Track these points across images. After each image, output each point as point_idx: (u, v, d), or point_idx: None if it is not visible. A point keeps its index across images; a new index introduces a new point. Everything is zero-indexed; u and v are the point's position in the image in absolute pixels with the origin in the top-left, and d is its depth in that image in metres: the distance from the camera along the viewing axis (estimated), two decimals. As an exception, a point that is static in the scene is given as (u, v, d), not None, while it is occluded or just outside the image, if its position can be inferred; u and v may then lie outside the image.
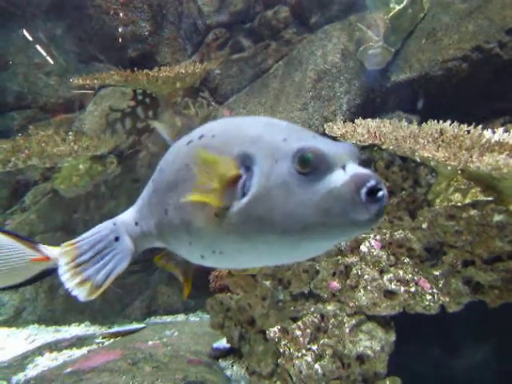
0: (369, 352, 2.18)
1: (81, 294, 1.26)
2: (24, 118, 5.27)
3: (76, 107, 5.31)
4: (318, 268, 2.43)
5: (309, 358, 2.18)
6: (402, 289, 2.21)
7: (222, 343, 3.12)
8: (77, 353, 3.51)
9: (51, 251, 1.91)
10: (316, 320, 2.32)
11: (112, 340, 3.68)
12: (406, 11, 3.72)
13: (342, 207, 0.90)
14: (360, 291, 2.26)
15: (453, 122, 2.35)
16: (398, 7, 3.70)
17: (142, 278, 4.49)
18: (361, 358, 2.21)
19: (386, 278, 2.26)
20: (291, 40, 4.71)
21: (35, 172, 4.86)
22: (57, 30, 5.27)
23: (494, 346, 2.43)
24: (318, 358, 2.20)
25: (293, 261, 1.25)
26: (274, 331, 2.36)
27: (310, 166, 0.93)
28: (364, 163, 0.99)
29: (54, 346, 3.67)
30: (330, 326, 2.28)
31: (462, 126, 2.32)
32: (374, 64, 3.87)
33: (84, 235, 1.39)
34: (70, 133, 4.32)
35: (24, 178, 4.93)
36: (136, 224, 1.41)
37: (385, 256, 2.32)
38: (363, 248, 2.37)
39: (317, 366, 2.16)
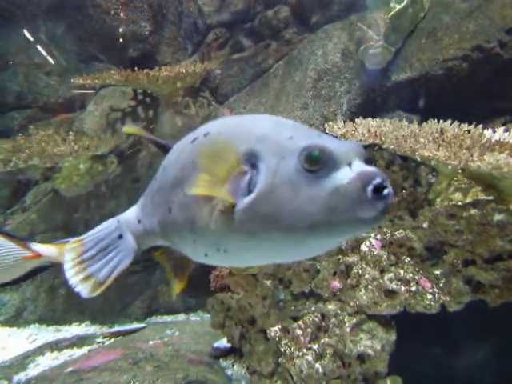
0: (369, 351, 2.18)
1: (84, 290, 1.26)
2: (24, 117, 5.28)
3: (76, 107, 5.32)
4: (318, 267, 2.43)
5: (309, 358, 2.18)
6: (403, 288, 2.21)
7: (223, 343, 3.12)
8: (78, 352, 3.51)
9: (42, 248, 1.92)
10: (317, 319, 2.32)
11: (113, 339, 3.68)
12: (407, 11, 3.72)
13: (349, 204, 0.91)
14: (361, 290, 2.26)
15: (453, 122, 2.35)
16: (398, 7, 3.70)
17: (142, 277, 4.49)
18: (361, 358, 2.21)
19: (386, 277, 2.26)
20: (292, 40, 4.71)
21: (36, 172, 4.87)
22: (57, 29, 5.27)
23: (494, 346, 2.43)
24: (319, 357, 2.20)
25: (298, 258, 1.24)
26: (274, 330, 2.36)
27: (317, 164, 0.94)
28: (365, 162, 0.99)
29: (55, 346, 3.68)
30: (331, 326, 2.28)
31: (462, 125, 2.32)
32: (375, 63, 3.87)
33: (90, 232, 1.40)
34: (71, 132, 4.32)
35: (25, 178, 4.94)
36: (139, 222, 1.41)
37: (385, 255, 2.32)
38: (364, 247, 2.37)
39: (317, 365, 2.16)
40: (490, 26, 3.45)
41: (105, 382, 2.55)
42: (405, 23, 3.77)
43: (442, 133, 2.26)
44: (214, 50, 5.05)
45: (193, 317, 4.36)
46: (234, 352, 3.13)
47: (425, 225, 2.31)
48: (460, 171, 2.28)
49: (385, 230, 2.43)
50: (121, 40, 5.14)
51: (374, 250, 2.34)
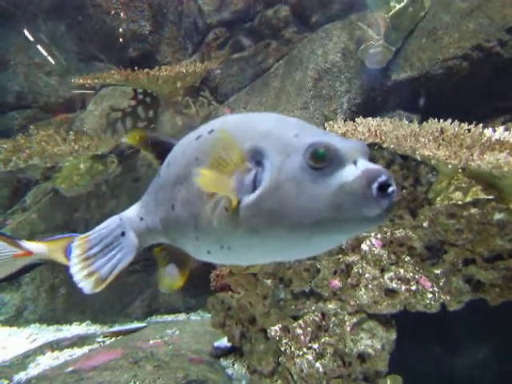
0: (370, 350, 2.18)
1: (87, 286, 1.28)
2: (24, 117, 5.28)
3: (76, 107, 5.32)
4: (319, 267, 2.43)
5: (310, 357, 2.18)
6: (403, 287, 2.21)
7: (223, 342, 3.12)
8: (78, 352, 3.51)
9: (32, 246, 1.93)
10: (317, 318, 2.32)
11: (113, 339, 3.69)
12: (407, 10, 3.72)
13: (354, 202, 0.91)
14: (361, 290, 2.26)
15: (453, 121, 2.35)
16: (398, 6, 3.70)
17: (142, 277, 4.49)
18: (362, 357, 2.21)
19: (386, 276, 2.26)
20: (292, 39, 4.71)
21: (36, 171, 4.87)
22: (57, 29, 5.28)
23: (494, 345, 2.43)
24: (319, 356, 2.20)
25: (301, 256, 1.24)
26: (275, 330, 2.36)
27: (322, 161, 0.94)
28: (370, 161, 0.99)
29: (56, 345, 3.68)
30: (331, 325, 2.28)
31: (462, 124, 2.31)
32: (375, 63, 3.87)
33: (95, 229, 1.41)
34: (71, 132, 4.32)
35: (25, 178, 4.94)
36: (141, 220, 1.41)
37: (386, 255, 2.32)
38: (364, 247, 2.37)
39: (318, 364, 2.16)
40: (490, 25, 3.45)
41: (105, 382, 2.55)
42: (405, 22, 3.77)
43: (442, 132, 2.26)
44: (214, 49, 5.05)
45: (193, 316, 4.36)
46: (234, 351, 3.13)
47: (425, 224, 2.31)
48: (460, 170, 2.28)
49: (385, 229, 2.43)
50: (121, 40, 5.15)
51: (374, 249, 2.34)
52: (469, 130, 2.27)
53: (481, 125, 2.29)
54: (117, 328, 4.03)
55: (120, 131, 4.80)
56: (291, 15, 4.76)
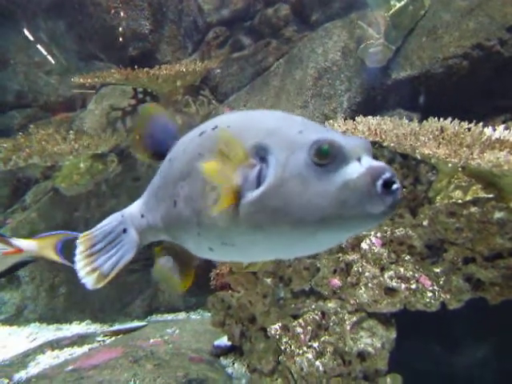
0: (370, 349, 2.18)
1: (89, 282, 1.29)
2: (24, 116, 5.29)
3: (76, 106, 5.32)
4: (318, 265, 2.43)
5: (310, 356, 2.18)
6: (403, 286, 2.21)
7: (223, 341, 3.12)
8: (78, 351, 3.52)
9: (23, 243, 1.92)
10: (317, 317, 2.32)
11: (113, 338, 3.69)
12: (407, 8, 3.71)
13: (358, 199, 0.91)
14: (361, 288, 2.26)
15: (453, 120, 2.35)
16: (398, 4, 3.69)
17: (142, 276, 4.49)
18: (362, 355, 2.22)
19: (386, 275, 2.26)
20: (292, 38, 4.71)
21: (36, 170, 4.87)
22: (57, 28, 5.27)
23: (494, 344, 2.43)
24: (319, 355, 2.20)
25: (305, 253, 1.24)
26: (274, 328, 2.36)
27: (327, 158, 0.94)
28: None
29: (56, 344, 3.68)
30: (331, 324, 2.28)
31: (462, 123, 2.31)
32: (375, 62, 3.87)
33: (98, 226, 1.42)
34: (71, 131, 4.33)
35: (25, 177, 4.94)
36: (142, 216, 1.41)
37: (385, 253, 2.32)
38: (364, 245, 2.37)
39: (318, 363, 2.17)
40: (491, 23, 3.44)
41: (105, 381, 2.56)
42: (405, 21, 3.77)
43: (442, 131, 2.25)
44: (214, 48, 5.04)
45: (193, 315, 4.36)
46: (234, 350, 3.13)
47: (425, 223, 2.31)
48: (460, 169, 2.28)
49: (385, 227, 2.43)
50: (121, 39, 5.14)
51: (374, 247, 2.34)
52: (469, 129, 2.26)
53: (481, 123, 2.28)
54: (117, 327, 4.03)
55: (120, 130, 4.80)
56: (291, 14, 4.75)
